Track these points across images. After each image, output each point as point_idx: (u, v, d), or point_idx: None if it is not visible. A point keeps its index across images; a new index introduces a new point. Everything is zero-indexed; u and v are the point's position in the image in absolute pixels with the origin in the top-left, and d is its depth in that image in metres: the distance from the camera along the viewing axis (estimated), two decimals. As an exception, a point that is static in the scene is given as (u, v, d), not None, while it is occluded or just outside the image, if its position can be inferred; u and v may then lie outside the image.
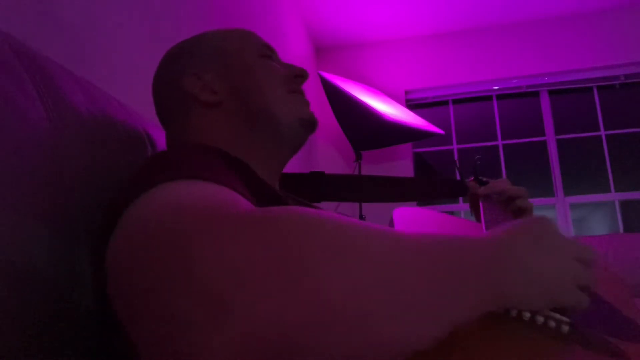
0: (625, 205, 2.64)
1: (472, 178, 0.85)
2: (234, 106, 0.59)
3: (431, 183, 0.86)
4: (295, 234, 0.27)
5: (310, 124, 0.63)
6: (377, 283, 0.27)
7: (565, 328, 0.37)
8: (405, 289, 0.28)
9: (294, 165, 2.28)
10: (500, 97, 2.94)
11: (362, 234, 0.29)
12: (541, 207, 2.78)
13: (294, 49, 2.53)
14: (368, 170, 2.80)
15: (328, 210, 0.74)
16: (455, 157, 2.91)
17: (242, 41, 0.63)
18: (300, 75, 0.64)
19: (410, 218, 0.56)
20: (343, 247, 0.28)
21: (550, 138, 2.80)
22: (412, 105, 2.99)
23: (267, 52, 0.64)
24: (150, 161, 0.43)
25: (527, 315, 0.36)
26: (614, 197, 2.62)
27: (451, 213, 2.89)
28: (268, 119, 0.59)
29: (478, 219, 0.79)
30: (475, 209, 0.80)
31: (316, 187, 0.78)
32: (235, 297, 0.25)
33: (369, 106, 2.34)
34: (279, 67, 0.64)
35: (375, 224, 0.32)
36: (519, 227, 0.39)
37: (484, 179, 0.82)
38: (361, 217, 2.36)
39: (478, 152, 2.89)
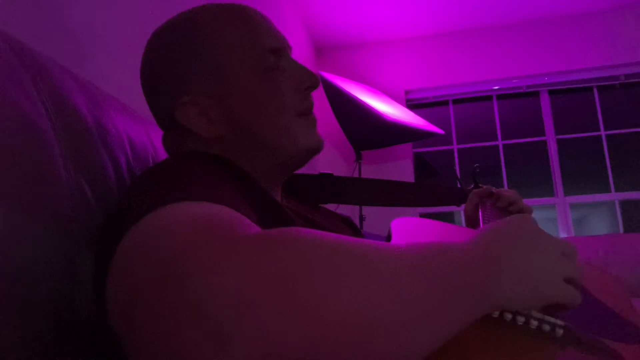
0: (625, 205, 2.64)
1: (472, 186, 0.86)
2: (234, 136, 0.54)
3: (433, 190, 0.87)
4: (294, 257, 0.28)
5: (315, 151, 0.58)
6: (377, 301, 0.27)
7: (560, 331, 0.37)
8: (404, 305, 0.28)
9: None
10: (500, 97, 2.94)
11: (360, 254, 0.30)
12: (541, 207, 2.78)
13: (294, 49, 2.53)
14: (368, 170, 2.80)
15: (328, 210, 0.74)
16: (456, 157, 2.91)
17: (245, 46, 0.54)
18: (309, 87, 0.57)
19: (407, 228, 0.56)
20: (341, 268, 0.28)
21: (550, 138, 2.80)
22: (412, 105, 2.99)
23: (273, 61, 0.55)
24: (149, 179, 0.42)
25: (522, 319, 0.36)
26: (614, 197, 2.62)
27: (451, 213, 2.89)
28: (271, 151, 0.55)
29: (471, 226, 0.80)
30: (472, 217, 0.82)
31: (323, 189, 0.78)
32: (236, 323, 0.25)
33: (369, 106, 2.34)
34: (286, 81, 0.56)
35: (375, 239, 0.33)
36: (499, 227, 0.40)
37: (484, 187, 0.83)
38: (361, 217, 2.36)
39: (477, 152, 2.89)
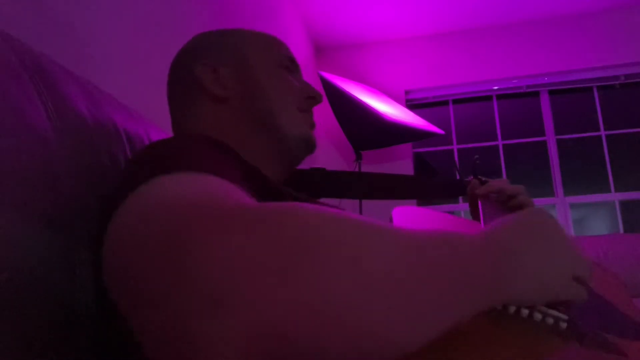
0: (625, 205, 2.64)
1: (472, 178, 0.85)
2: (241, 106, 0.59)
3: (431, 182, 0.86)
4: (297, 228, 0.27)
5: (310, 146, 0.63)
6: (382, 281, 0.27)
7: (564, 325, 0.37)
8: (409, 289, 0.28)
9: (294, 165, 2.26)
10: (500, 97, 2.94)
11: (367, 233, 0.29)
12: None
13: (294, 49, 2.53)
14: (368, 169, 2.80)
15: (326, 203, 0.74)
16: (456, 157, 2.91)
17: (266, 46, 0.63)
18: (313, 98, 0.64)
19: (409, 217, 0.56)
20: (347, 246, 0.27)
21: (550, 138, 2.80)
22: (412, 105, 2.99)
23: (288, 65, 0.64)
24: (149, 150, 0.42)
25: (526, 312, 0.36)
26: (614, 197, 2.62)
27: (451, 212, 2.89)
28: (272, 127, 0.59)
29: (476, 218, 0.79)
30: (474, 209, 0.81)
31: (317, 183, 0.78)
32: (233, 294, 0.24)
33: (369, 106, 2.34)
34: (295, 82, 0.63)
35: (376, 219, 0.32)
36: (514, 221, 0.39)
37: (483, 179, 0.82)
38: (360, 214, 2.35)
39: (478, 152, 2.89)
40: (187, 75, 0.61)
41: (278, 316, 0.24)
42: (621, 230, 2.58)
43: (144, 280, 0.28)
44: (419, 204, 2.76)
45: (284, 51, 0.64)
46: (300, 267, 0.25)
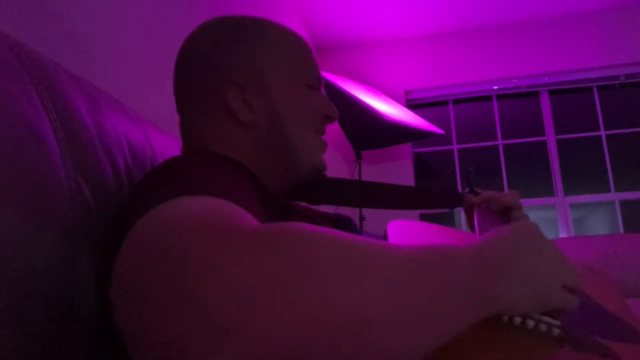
0: (625, 205, 2.64)
1: (467, 190, 0.85)
2: (264, 132, 0.59)
3: (429, 193, 0.87)
4: (297, 253, 0.27)
5: (319, 172, 0.64)
6: (380, 300, 0.27)
7: (556, 331, 0.37)
8: (407, 304, 0.28)
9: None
10: (500, 97, 2.94)
11: (363, 252, 0.30)
12: (541, 207, 2.78)
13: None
14: (368, 170, 2.80)
15: (323, 211, 0.74)
16: (456, 157, 2.91)
17: (296, 62, 0.62)
18: (330, 117, 0.65)
19: (403, 231, 0.56)
20: (344, 268, 0.28)
21: (550, 138, 2.80)
22: (412, 105, 2.99)
23: (314, 84, 0.64)
24: (159, 173, 0.43)
25: (518, 320, 0.36)
26: (614, 197, 2.62)
27: (451, 213, 2.89)
28: (291, 155, 0.60)
29: (473, 230, 0.80)
30: (471, 221, 0.81)
31: (316, 190, 0.78)
32: (235, 318, 0.24)
33: (369, 106, 2.34)
34: (316, 100, 0.64)
35: (375, 238, 0.33)
36: (505, 233, 0.40)
37: (478, 190, 0.83)
38: (361, 217, 2.36)
39: (478, 152, 2.89)
40: (210, 92, 0.58)
41: (277, 343, 0.24)
42: (621, 230, 2.58)
43: (147, 311, 0.29)
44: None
45: (313, 71, 0.64)
46: (299, 294, 0.25)
